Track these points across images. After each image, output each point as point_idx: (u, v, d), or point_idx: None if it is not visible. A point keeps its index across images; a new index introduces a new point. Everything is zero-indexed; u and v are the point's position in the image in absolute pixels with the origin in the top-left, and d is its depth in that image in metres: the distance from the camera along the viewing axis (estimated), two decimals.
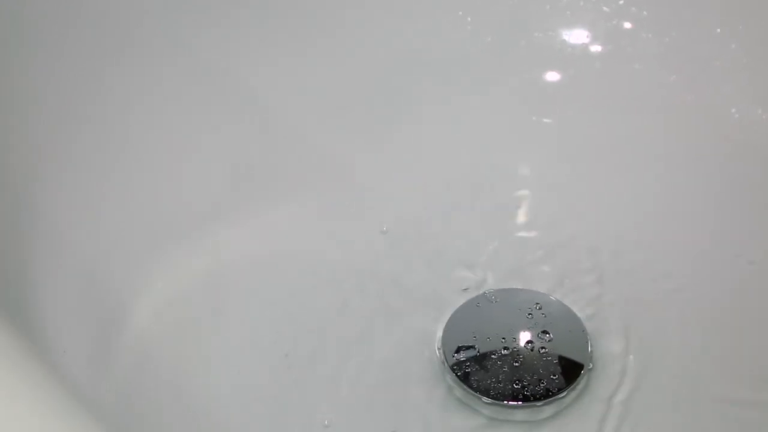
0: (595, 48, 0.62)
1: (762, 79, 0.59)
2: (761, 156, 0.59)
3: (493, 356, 0.52)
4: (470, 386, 0.51)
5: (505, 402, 0.51)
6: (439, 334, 0.53)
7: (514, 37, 0.63)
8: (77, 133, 0.53)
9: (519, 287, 0.55)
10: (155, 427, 0.48)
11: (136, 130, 0.55)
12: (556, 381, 0.51)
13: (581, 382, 0.51)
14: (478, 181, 0.60)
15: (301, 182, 0.59)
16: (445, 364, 0.52)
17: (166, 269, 0.54)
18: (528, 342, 0.52)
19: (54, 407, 0.37)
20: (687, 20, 0.61)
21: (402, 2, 0.62)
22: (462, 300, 0.55)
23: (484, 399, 0.51)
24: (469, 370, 0.51)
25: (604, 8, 0.61)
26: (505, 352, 0.52)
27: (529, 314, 0.54)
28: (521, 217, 0.60)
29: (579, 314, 0.54)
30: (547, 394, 0.51)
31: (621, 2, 0.61)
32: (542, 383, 0.51)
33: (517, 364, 0.52)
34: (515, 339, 0.53)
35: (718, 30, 0.60)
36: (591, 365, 0.52)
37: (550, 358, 0.52)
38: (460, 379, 0.51)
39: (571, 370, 0.51)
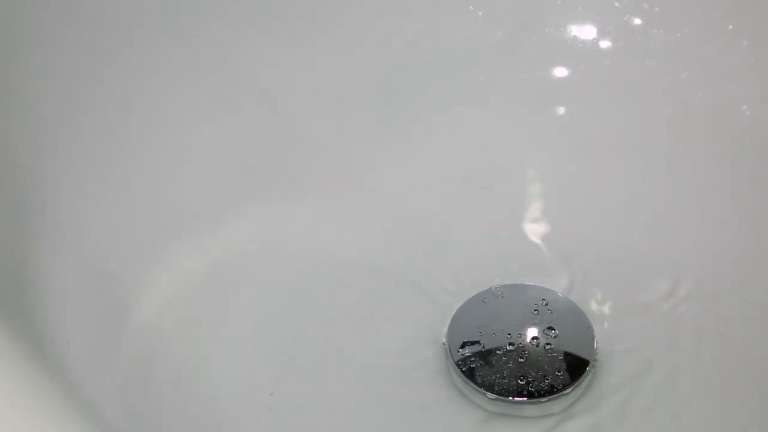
0: (606, 44, 0.62)
1: None
2: None
3: (498, 352, 0.52)
4: (475, 382, 0.51)
5: (510, 398, 0.51)
6: (445, 329, 0.53)
7: (525, 33, 0.62)
8: (80, 129, 0.53)
9: (525, 283, 0.55)
10: (156, 423, 0.48)
11: (139, 126, 0.55)
12: (561, 377, 0.51)
13: (586, 378, 0.51)
14: (486, 177, 0.60)
15: (305, 180, 0.58)
16: (450, 359, 0.52)
17: (169, 265, 0.54)
18: (534, 338, 0.52)
19: (50, 407, 0.37)
20: (698, 17, 0.60)
21: None
22: (468, 296, 0.55)
23: (489, 395, 0.51)
24: (474, 365, 0.51)
25: (616, 4, 0.61)
26: (511, 347, 0.52)
27: (536, 310, 0.53)
28: (529, 213, 0.60)
29: (585, 311, 0.54)
30: (551, 390, 0.50)
31: None
32: (547, 379, 0.51)
33: (522, 360, 0.52)
34: (521, 335, 0.52)
35: (730, 27, 0.60)
36: (596, 361, 0.52)
37: (555, 354, 0.52)
38: (465, 375, 0.51)
39: (576, 367, 0.51)
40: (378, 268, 0.57)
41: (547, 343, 0.52)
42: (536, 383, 0.51)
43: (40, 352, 0.43)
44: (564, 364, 0.51)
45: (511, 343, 0.52)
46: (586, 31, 0.61)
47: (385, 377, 0.53)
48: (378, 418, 0.52)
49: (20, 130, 0.50)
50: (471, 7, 0.62)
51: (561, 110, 0.62)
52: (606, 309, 0.54)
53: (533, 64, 0.62)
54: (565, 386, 0.51)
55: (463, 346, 0.52)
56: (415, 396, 0.52)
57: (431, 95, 0.61)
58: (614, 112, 0.61)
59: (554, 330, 0.53)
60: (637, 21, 0.61)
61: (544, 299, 0.54)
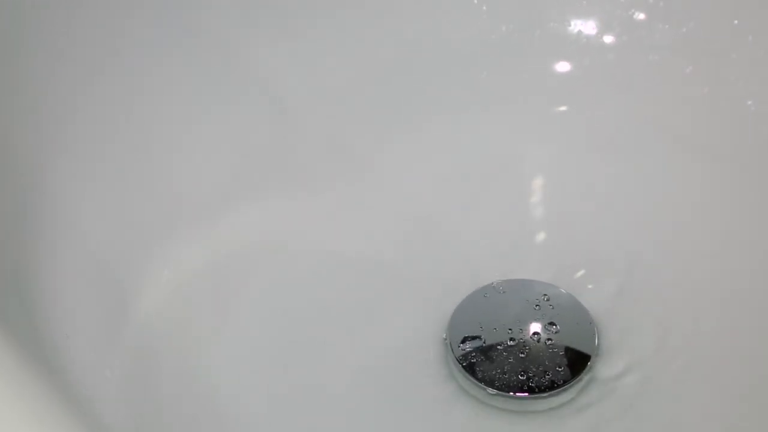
0: (611, 38, 0.61)
1: None
2: None
3: (499, 347, 0.52)
4: (475, 377, 0.51)
5: (511, 393, 0.50)
6: (446, 324, 0.53)
7: (529, 27, 0.62)
8: (79, 125, 0.53)
9: (527, 278, 0.55)
10: (156, 419, 0.48)
11: (139, 122, 0.55)
12: (562, 373, 0.51)
13: (587, 374, 0.51)
14: (488, 173, 0.60)
15: (306, 177, 0.58)
16: (451, 354, 0.52)
17: (170, 262, 0.54)
18: (534, 333, 0.52)
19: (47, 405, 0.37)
20: (703, 12, 0.60)
21: None
22: (470, 290, 0.54)
23: (489, 390, 0.50)
24: (474, 360, 0.51)
25: None
26: (512, 343, 0.52)
27: (537, 306, 0.53)
28: (532, 209, 0.60)
29: (588, 307, 0.54)
30: (552, 386, 0.50)
31: None
32: (548, 375, 0.51)
33: (523, 355, 0.52)
34: (522, 330, 0.52)
35: (735, 22, 0.60)
36: (597, 357, 0.52)
37: (556, 349, 0.52)
38: (466, 370, 0.51)
39: (577, 362, 0.51)
40: (379, 264, 0.57)
41: (548, 339, 0.52)
42: (537, 378, 0.51)
43: (39, 348, 0.43)
44: (565, 360, 0.51)
45: (512, 339, 0.52)
46: (590, 26, 0.61)
47: (386, 373, 0.53)
48: (378, 412, 0.52)
49: (19, 126, 0.50)
50: (475, 1, 0.62)
51: (564, 105, 0.62)
52: (608, 304, 0.54)
53: (537, 59, 0.62)
54: (565, 381, 0.50)
55: (463, 341, 0.52)
56: (415, 391, 0.52)
57: (434, 91, 0.61)
58: (618, 107, 0.61)
59: (555, 325, 0.52)
60: (642, 16, 0.61)
61: (545, 294, 0.54)
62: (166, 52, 0.56)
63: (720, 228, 0.57)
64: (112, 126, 0.54)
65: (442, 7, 0.62)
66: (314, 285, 0.56)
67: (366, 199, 0.58)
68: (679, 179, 0.59)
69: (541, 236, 0.59)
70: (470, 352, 0.52)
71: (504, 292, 0.54)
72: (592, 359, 0.51)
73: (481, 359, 0.51)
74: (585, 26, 0.61)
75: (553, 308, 0.53)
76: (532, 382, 0.50)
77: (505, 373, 0.51)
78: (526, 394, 0.50)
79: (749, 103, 0.59)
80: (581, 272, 0.56)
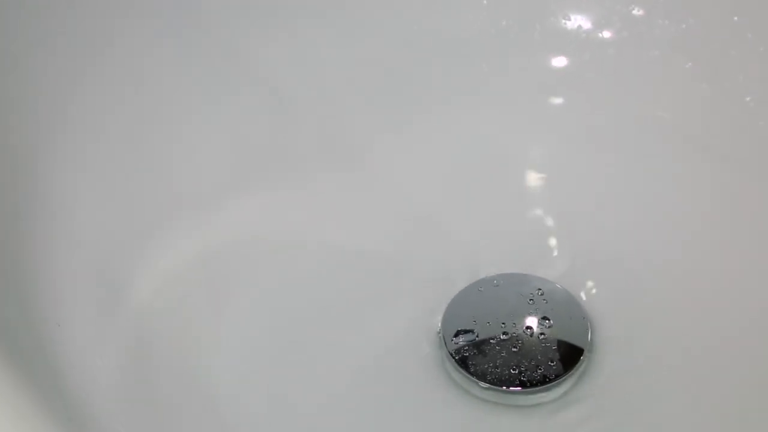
0: (610, 34, 0.61)
1: None
2: None
3: (492, 341, 0.52)
4: (468, 371, 0.51)
5: (504, 387, 0.51)
6: (439, 318, 0.53)
7: (529, 22, 0.62)
8: (75, 115, 0.53)
9: (522, 272, 0.55)
10: (150, 409, 0.48)
11: (135, 112, 0.55)
12: (554, 367, 0.51)
13: (579, 369, 0.51)
14: (488, 167, 0.60)
15: (302, 168, 0.58)
16: (444, 348, 0.52)
17: (166, 251, 0.54)
18: (528, 327, 0.52)
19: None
20: (703, 8, 0.60)
21: None
22: (464, 284, 0.55)
23: (482, 384, 0.51)
24: (467, 354, 0.51)
25: None
26: (504, 337, 0.52)
27: (531, 300, 0.53)
28: (528, 203, 0.60)
29: (581, 301, 0.54)
30: (544, 380, 0.50)
31: None
32: (540, 369, 0.51)
33: (515, 349, 0.52)
34: (515, 324, 0.53)
35: (735, 18, 0.60)
36: (590, 352, 0.52)
37: (549, 344, 0.52)
38: (459, 364, 0.51)
39: (570, 357, 0.51)
40: (374, 257, 0.57)
41: (541, 333, 0.52)
42: (529, 373, 0.51)
43: (30, 337, 0.44)
44: (557, 354, 0.51)
45: (505, 333, 0.52)
46: (589, 21, 0.61)
47: (380, 366, 0.53)
48: (371, 406, 0.52)
49: (15, 118, 0.50)
50: None
51: (564, 100, 0.62)
52: (602, 299, 0.54)
53: (537, 54, 0.62)
54: (558, 376, 0.51)
55: (457, 335, 0.52)
56: (408, 385, 0.52)
57: (433, 85, 0.61)
58: (617, 103, 0.61)
59: (549, 320, 0.53)
60: (642, 11, 0.61)
61: (539, 289, 0.54)
62: (163, 45, 0.57)
63: (717, 224, 0.57)
64: (108, 118, 0.54)
65: (441, 0, 0.62)
66: (308, 279, 0.56)
67: (362, 194, 0.58)
68: (677, 175, 0.59)
69: (537, 231, 0.59)
70: (463, 346, 0.52)
71: (498, 285, 0.54)
72: (584, 354, 0.51)
73: (474, 353, 0.52)
74: (585, 21, 0.61)
75: (547, 303, 0.53)
76: (524, 377, 0.51)
77: (497, 368, 0.51)
78: (519, 388, 0.50)
79: (748, 99, 0.59)
80: (577, 267, 0.56)
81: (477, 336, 0.52)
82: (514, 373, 0.51)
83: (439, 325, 0.53)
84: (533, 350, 0.52)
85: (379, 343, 0.53)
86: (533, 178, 0.61)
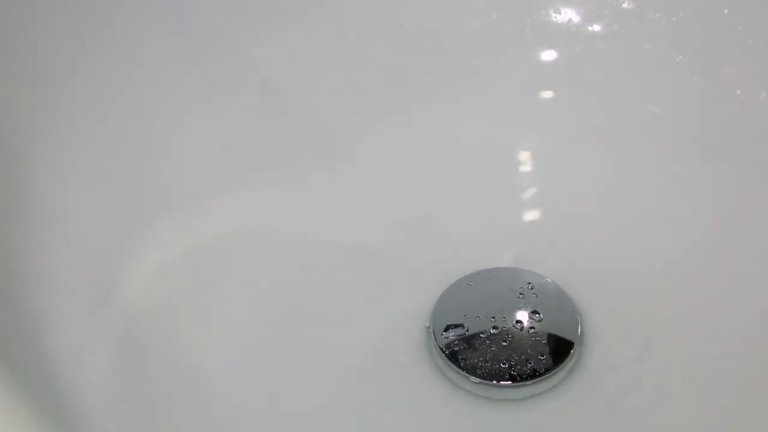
0: (601, 27, 0.61)
1: (767, 61, 0.59)
2: (764, 137, 0.58)
3: (482, 335, 0.52)
4: (458, 365, 0.51)
5: (494, 382, 0.51)
6: (429, 312, 0.53)
7: (519, 15, 0.62)
8: (64, 111, 0.53)
9: (512, 267, 0.55)
10: (141, 406, 0.49)
11: (124, 107, 0.55)
12: (544, 361, 0.51)
13: (569, 363, 0.51)
14: (477, 161, 0.60)
15: (293, 162, 0.59)
16: (435, 342, 0.52)
17: (159, 245, 0.54)
18: (518, 322, 0.52)
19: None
20: (693, 1, 0.60)
21: None
22: (455, 278, 0.55)
23: (472, 378, 0.51)
24: (457, 348, 0.52)
25: None
26: (494, 331, 0.52)
27: (521, 294, 0.54)
28: (518, 197, 0.60)
29: (572, 295, 0.54)
30: (534, 374, 0.51)
31: None
32: (530, 363, 0.51)
33: (505, 343, 0.52)
34: (505, 318, 0.53)
35: (725, 11, 0.60)
36: (580, 346, 0.52)
37: (539, 338, 0.52)
38: (449, 358, 0.51)
39: (560, 351, 0.51)
40: (364, 250, 0.57)
41: (531, 327, 0.52)
42: (519, 367, 0.51)
43: (20, 333, 0.44)
44: (547, 348, 0.51)
45: (495, 327, 0.52)
46: (580, 14, 0.61)
47: (370, 360, 0.53)
48: (362, 401, 0.52)
49: (4, 114, 0.50)
50: None
51: (554, 93, 0.62)
52: (592, 293, 0.54)
53: (527, 47, 0.62)
54: (547, 370, 0.51)
55: (447, 329, 0.52)
56: (398, 379, 0.52)
57: (424, 79, 0.61)
58: (608, 96, 0.61)
59: (539, 314, 0.53)
60: (632, 5, 0.61)
61: (529, 283, 0.54)
62: (153, 43, 0.57)
63: (709, 218, 0.57)
64: (97, 116, 0.54)
65: None
66: (299, 271, 0.56)
67: (353, 190, 0.59)
68: (669, 169, 0.59)
69: (528, 225, 0.59)
70: (453, 340, 0.52)
71: (489, 279, 0.55)
72: (574, 348, 0.51)
73: (464, 347, 0.52)
74: (575, 15, 0.61)
75: (537, 297, 0.53)
76: (514, 371, 0.51)
77: (487, 362, 0.51)
78: (509, 382, 0.51)
79: (738, 92, 0.59)
80: (567, 261, 0.56)
81: (467, 330, 0.52)
82: (504, 368, 0.51)
83: (429, 319, 0.53)
84: (523, 344, 0.52)
85: (370, 339, 0.53)
86: (524, 173, 0.61)
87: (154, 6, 0.57)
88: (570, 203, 0.59)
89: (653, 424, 0.50)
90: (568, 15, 0.61)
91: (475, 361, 0.51)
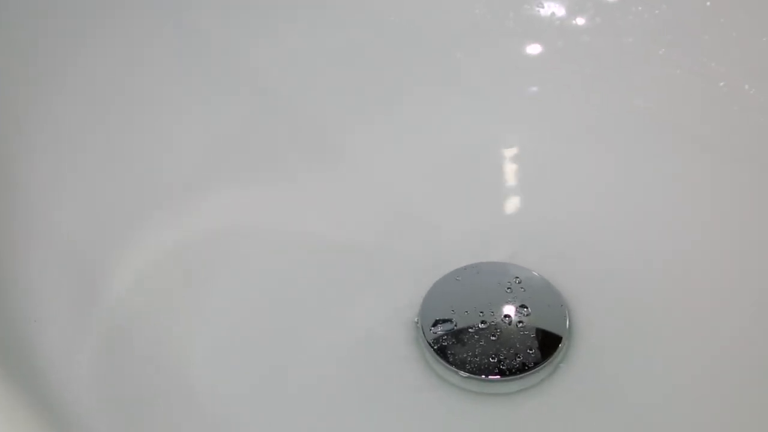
0: (584, 21, 0.61)
1: (750, 53, 0.59)
2: (749, 130, 0.58)
3: (470, 330, 0.52)
4: (447, 360, 0.51)
5: (483, 376, 0.51)
6: (417, 308, 0.53)
7: (502, 9, 0.62)
8: (51, 108, 0.53)
9: (499, 261, 0.55)
10: (128, 402, 0.48)
11: (111, 105, 0.55)
12: (533, 355, 0.51)
13: (558, 356, 0.51)
14: (461, 155, 0.60)
15: (279, 159, 0.58)
16: (423, 337, 0.52)
17: (143, 243, 0.54)
18: (506, 316, 0.52)
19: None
20: None
21: None
22: (442, 274, 0.55)
23: (461, 373, 0.51)
24: (446, 343, 0.51)
25: None
26: (483, 326, 0.52)
27: (509, 288, 0.54)
28: (505, 192, 0.60)
29: (559, 289, 0.54)
30: (523, 368, 0.51)
31: None
32: (519, 357, 0.51)
33: (494, 338, 0.52)
34: (493, 313, 0.53)
35: (708, 4, 0.60)
36: (569, 340, 0.52)
37: (527, 332, 0.52)
38: (437, 353, 0.51)
39: (548, 345, 0.51)
40: (352, 246, 0.57)
41: (519, 321, 0.52)
42: (508, 361, 0.51)
43: (6, 333, 0.43)
44: (536, 342, 0.51)
45: (483, 321, 0.52)
46: (563, 8, 0.61)
47: (358, 356, 0.53)
48: (351, 396, 0.52)
49: None
50: None
51: (538, 88, 0.62)
52: (581, 287, 0.54)
53: (511, 41, 0.62)
54: (536, 364, 0.51)
55: (435, 324, 0.52)
56: (387, 375, 0.52)
57: (407, 75, 0.61)
58: (591, 90, 0.61)
59: (527, 308, 0.53)
60: None
61: (517, 277, 0.54)
62: (144, 39, 0.56)
63: (693, 209, 0.57)
64: (85, 115, 0.54)
65: None
66: (286, 268, 0.56)
67: (339, 184, 0.58)
68: (652, 161, 0.59)
69: (514, 220, 0.59)
70: (442, 335, 0.52)
71: (476, 274, 0.54)
72: (563, 341, 0.52)
73: (453, 342, 0.52)
74: (558, 9, 0.61)
75: (525, 291, 0.53)
76: (503, 365, 0.51)
77: (476, 356, 0.51)
78: (498, 377, 0.51)
79: (721, 84, 0.59)
80: (555, 255, 0.56)
81: (455, 325, 0.52)
82: (493, 362, 0.51)
83: (417, 314, 0.53)
84: (512, 338, 0.52)
85: (358, 335, 0.53)
86: (509, 167, 0.61)
87: (144, 5, 0.56)
88: (556, 198, 0.59)
89: (643, 417, 0.50)
90: (551, 8, 0.61)
91: (464, 355, 0.51)
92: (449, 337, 0.52)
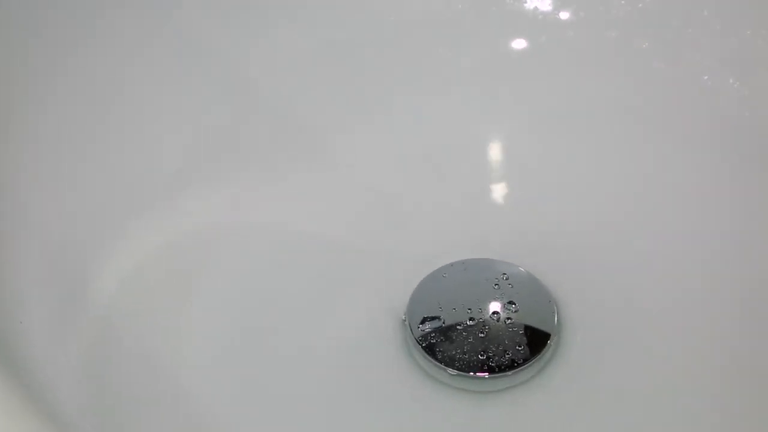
0: (567, 15, 0.61)
1: (734, 47, 0.59)
2: (732, 123, 0.58)
3: (458, 327, 0.52)
4: (435, 358, 0.51)
5: (471, 374, 0.50)
6: (405, 305, 0.53)
7: (485, 4, 0.62)
8: (39, 106, 0.52)
9: (487, 257, 0.55)
10: (115, 403, 0.48)
11: (98, 102, 0.55)
12: (522, 352, 0.51)
13: (547, 353, 0.51)
14: (446, 151, 0.60)
15: (267, 156, 0.58)
16: (411, 335, 0.52)
17: (130, 241, 0.53)
18: (494, 312, 0.52)
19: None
20: None
21: None
22: (429, 271, 0.54)
23: (450, 370, 0.50)
24: (434, 341, 0.51)
25: None
26: (471, 323, 0.52)
27: (496, 285, 0.53)
28: (491, 187, 0.60)
29: (548, 285, 0.54)
30: (512, 365, 0.50)
31: None
32: (507, 354, 0.51)
33: (482, 335, 0.51)
34: (481, 310, 0.52)
35: None
36: (557, 336, 0.52)
37: (515, 328, 0.52)
38: (426, 351, 0.51)
39: (537, 341, 0.51)
40: (339, 243, 0.56)
41: (508, 318, 0.52)
42: (497, 358, 0.51)
43: None
44: (525, 339, 0.51)
45: (471, 318, 0.52)
46: (546, 2, 0.61)
47: (345, 354, 0.52)
48: (337, 394, 0.51)
49: None
50: None
51: (522, 83, 0.61)
52: (568, 282, 0.54)
53: (493, 36, 0.62)
54: (525, 360, 0.50)
55: (423, 321, 0.52)
56: (375, 373, 0.52)
57: (391, 70, 0.61)
58: (575, 84, 0.61)
59: (515, 304, 0.52)
60: None
61: (504, 273, 0.54)
62: (124, 37, 0.56)
63: (678, 203, 0.57)
64: (68, 112, 0.54)
65: None
66: (273, 266, 0.55)
67: (325, 180, 0.58)
68: (636, 155, 0.59)
69: (500, 215, 0.58)
70: (430, 332, 0.52)
71: (463, 271, 0.54)
72: (551, 338, 0.51)
73: (441, 339, 0.51)
74: (541, 3, 0.61)
75: (512, 287, 0.53)
76: (492, 362, 0.50)
77: (465, 354, 0.51)
78: (486, 374, 0.50)
79: (705, 78, 0.59)
80: (542, 250, 0.56)
81: (443, 323, 0.52)
82: (482, 359, 0.51)
83: (405, 312, 0.53)
84: (500, 335, 0.51)
85: (346, 333, 0.53)
86: (494, 162, 0.61)
87: (125, 4, 0.56)
88: (540, 191, 0.59)
89: (634, 412, 0.50)
90: (534, 3, 0.61)
91: (453, 353, 0.51)
92: (437, 334, 0.51)
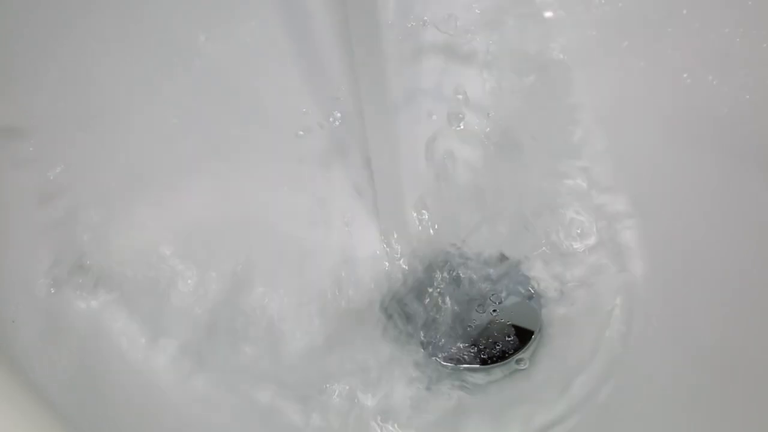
0: (548, 14, 0.62)
1: (713, 45, 0.59)
2: (712, 120, 0.59)
3: (448, 322, 0.52)
4: (426, 350, 0.51)
5: (462, 366, 0.51)
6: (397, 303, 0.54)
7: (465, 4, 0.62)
8: (28, 105, 0.52)
9: (473, 254, 0.56)
10: (106, 401, 0.48)
11: (84, 96, 0.55)
12: (512, 342, 0.51)
13: (533, 345, 0.52)
14: (435, 154, 0.60)
15: (254, 154, 0.58)
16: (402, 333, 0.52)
17: (116, 239, 0.53)
18: (479, 305, 0.53)
19: None
20: None
21: None
22: (418, 268, 0.55)
23: (444, 363, 0.51)
24: (424, 339, 0.52)
25: None
26: (461, 318, 0.52)
27: (485, 280, 0.54)
28: (479, 182, 0.60)
29: (532, 279, 0.54)
30: (503, 356, 0.51)
31: None
32: (498, 346, 0.51)
33: (470, 328, 0.52)
34: (469, 305, 0.53)
35: None
36: (542, 329, 0.52)
37: (503, 320, 0.52)
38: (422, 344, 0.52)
39: (523, 335, 0.52)
40: (325, 243, 0.56)
41: (494, 310, 0.53)
42: (487, 350, 0.51)
43: None
44: (513, 330, 0.52)
45: (460, 314, 0.53)
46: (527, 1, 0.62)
47: (334, 348, 0.53)
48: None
49: None
50: None
51: (500, 80, 0.62)
52: (551, 279, 0.55)
53: (477, 35, 0.62)
54: (515, 351, 0.51)
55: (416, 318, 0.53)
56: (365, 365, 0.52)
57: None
58: (555, 83, 0.61)
59: (501, 300, 0.53)
60: None
61: (492, 269, 0.54)
62: (109, 35, 0.56)
63: (658, 196, 0.58)
64: (57, 103, 0.53)
65: None
66: (259, 263, 0.55)
67: (309, 182, 0.58)
68: (617, 151, 0.60)
69: (485, 211, 0.59)
70: (420, 329, 0.52)
71: (452, 270, 0.55)
72: (536, 333, 0.52)
73: (432, 333, 0.52)
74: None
75: (499, 283, 0.54)
76: (483, 354, 0.51)
77: (457, 347, 0.51)
78: (478, 366, 0.51)
79: (685, 75, 0.60)
80: (526, 245, 0.56)
81: (433, 318, 0.52)
82: (474, 351, 0.51)
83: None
84: (489, 328, 0.52)
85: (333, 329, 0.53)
86: (480, 158, 0.61)
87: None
88: (525, 188, 0.59)
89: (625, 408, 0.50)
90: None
91: (444, 345, 0.51)
92: (428, 328, 0.52)
